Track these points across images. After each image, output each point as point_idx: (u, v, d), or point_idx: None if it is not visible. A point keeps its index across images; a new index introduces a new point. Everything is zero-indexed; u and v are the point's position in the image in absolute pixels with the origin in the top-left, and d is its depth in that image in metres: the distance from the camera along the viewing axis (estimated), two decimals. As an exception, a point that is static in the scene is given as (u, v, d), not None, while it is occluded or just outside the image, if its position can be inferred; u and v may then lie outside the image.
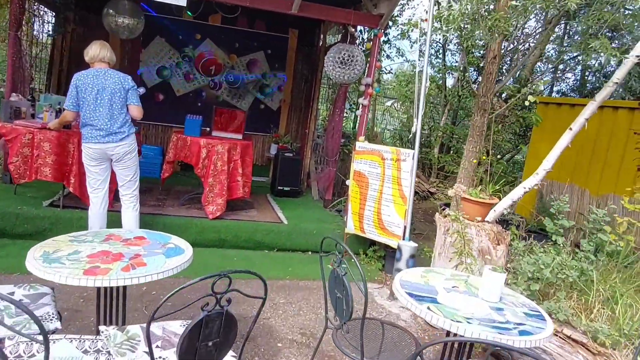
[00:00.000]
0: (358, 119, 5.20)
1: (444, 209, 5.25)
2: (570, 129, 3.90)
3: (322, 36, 6.98)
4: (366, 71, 5.16)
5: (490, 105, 4.36)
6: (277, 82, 7.47)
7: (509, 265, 3.43)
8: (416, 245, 4.03)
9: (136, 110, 3.77)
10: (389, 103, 11.18)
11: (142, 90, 4.65)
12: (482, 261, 3.29)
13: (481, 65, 8.80)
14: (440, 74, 8.93)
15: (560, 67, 9.18)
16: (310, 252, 5.01)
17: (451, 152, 9.89)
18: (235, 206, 5.32)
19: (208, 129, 5.26)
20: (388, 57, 7.58)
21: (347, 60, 4.71)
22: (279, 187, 6.31)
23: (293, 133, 7.70)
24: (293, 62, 7.50)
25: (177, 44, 6.95)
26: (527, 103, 3.85)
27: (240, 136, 5.18)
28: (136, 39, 6.79)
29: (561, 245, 3.38)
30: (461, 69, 9.13)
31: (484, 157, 4.25)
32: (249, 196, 5.15)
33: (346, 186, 5.20)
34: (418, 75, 4.10)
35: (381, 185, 4.49)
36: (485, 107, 4.35)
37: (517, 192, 4.08)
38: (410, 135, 9.89)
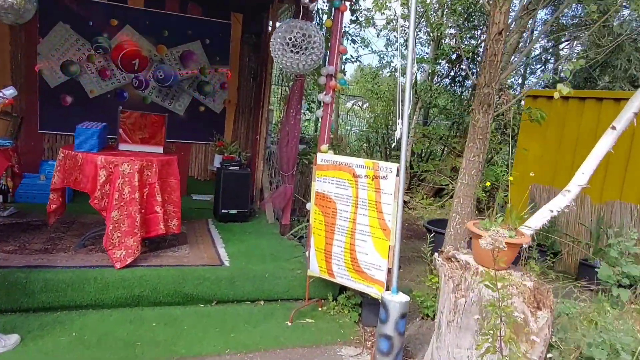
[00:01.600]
0: (320, 121, 3.96)
1: (433, 236, 4.09)
2: (614, 127, 2.80)
3: (270, 22, 5.69)
4: (327, 58, 3.94)
5: (494, 98, 3.23)
6: (219, 78, 6.11)
7: (554, 339, 2.27)
8: (408, 299, 2.82)
9: None
10: (349, 104, 10.00)
11: (7, 91, 3.24)
12: (518, 342, 2.10)
13: (465, 53, 7.77)
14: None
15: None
16: (262, 302, 3.72)
17: (423, 154, 8.84)
18: (158, 244, 3.95)
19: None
20: (354, 41, 6.29)
21: (301, 42, 3.46)
22: (223, 211, 4.98)
23: (241, 140, 6.37)
24: (238, 54, 6.17)
25: (87, 32, 5.49)
26: (556, 95, 2.74)
27: (159, 149, 3.82)
28: (31, 25, 5.28)
29: (627, 301, 2.25)
30: (432, 59, 8.07)
31: (488, 184, 3.11)
32: (179, 230, 3.80)
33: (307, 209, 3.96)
34: (400, 66, 2.91)
35: (354, 213, 3.26)
36: (490, 100, 3.20)
37: (539, 218, 2.95)
38: (384, 139, 8.76)
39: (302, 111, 4.73)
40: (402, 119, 2.85)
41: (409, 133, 8.56)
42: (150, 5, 5.72)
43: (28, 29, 5.36)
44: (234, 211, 5.02)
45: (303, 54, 3.45)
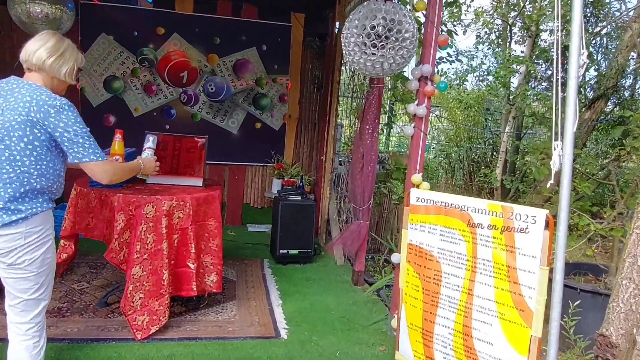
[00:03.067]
0: (409, 142, 2.91)
1: (578, 301, 2.85)
2: None
3: (337, 22, 4.77)
4: (418, 55, 2.90)
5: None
6: (277, 90, 5.26)
7: None
8: None
9: (94, 170, 1.86)
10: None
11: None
12: None
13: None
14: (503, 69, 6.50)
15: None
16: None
17: (516, 173, 7.44)
18: (192, 301, 3.07)
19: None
20: (452, 33, 5.02)
21: (387, 32, 2.44)
22: (281, 251, 4.05)
23: (304, 162, 5.46)
24: (299, 60, 5.29)
25: (131, 44, 4.86)
26: None
27: (198, 181, 2.95)
28: (71, 39, 4.74)
29: None
30: (529, 58, 6.71)
31: None
32: (219, 288, 2.89)
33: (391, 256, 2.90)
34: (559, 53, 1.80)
35: (469, 280, 2.16)
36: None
37: None
38: (468, 154, 7.46)
39: (380, 126, 3.69)
40: (562, 139, 1.72)
41: (494, 144, 7.21)
42: (200, 9, 5.00)
43: (69, 43, 4.82)
44: (295, 251, 4.07)
45: (391, 48, 2.42)
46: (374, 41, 2.46)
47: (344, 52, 2.66)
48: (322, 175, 4.90)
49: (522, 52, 7.04)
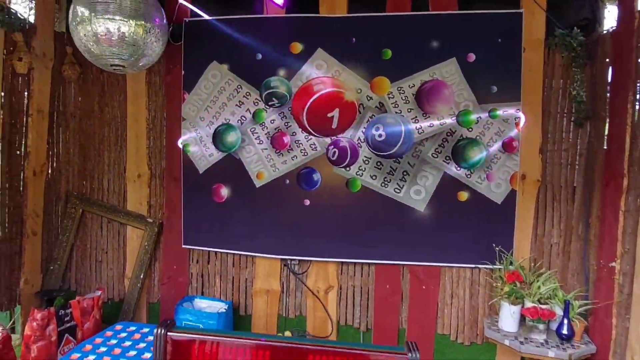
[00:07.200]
0: None
1: None
2: None
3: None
4: None
5: None
6: (499, 131, 2.85)
7: None
8: None
9: None
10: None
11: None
12: None
13: None
14: None
15: None
16: None
17: None
18: None
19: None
20: None
21: None
22: None
23: (555, 261, 2.84)
24: (541, 75, 2.83)
25: (253, 73, 3.06)
26: None
27: None
28: (172, 76, 3.19)
29: None
30: None
31: None
32: None
33: None
34: None
35: None
36: None
37: None
38: None
39: None
40: None
41: None
42: (358, 8, 3.02)
43: (170, 82, 3.24)
44: None
45: None
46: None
47: None
48: (612, 301, 2.24)
49: None
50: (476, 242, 2.88)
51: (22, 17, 3.07)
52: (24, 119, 3.16)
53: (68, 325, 2.92)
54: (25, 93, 3.14)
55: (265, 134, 3.06)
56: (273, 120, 3.05)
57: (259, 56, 3.05)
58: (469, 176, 2.87)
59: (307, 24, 3.01)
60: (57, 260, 3.45)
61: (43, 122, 3.26)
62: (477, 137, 2.85)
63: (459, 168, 2.88)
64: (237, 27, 3.07)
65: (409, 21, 2.92)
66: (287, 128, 3.03)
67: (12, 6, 3.10)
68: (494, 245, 2.82)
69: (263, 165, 3.07)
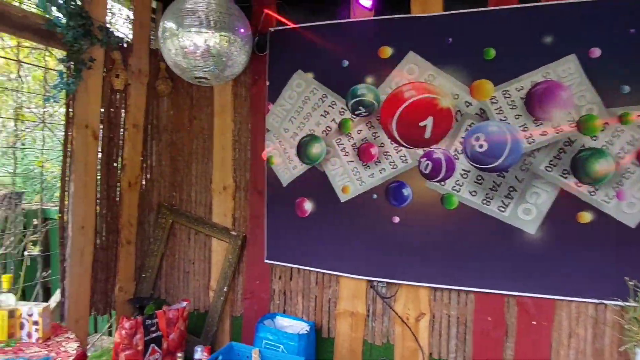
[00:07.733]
0: None
1: None
2: None
3: None
4: None
5: None
6: (632, 139, 2.35)
7: None
8: None
9: None
10: None
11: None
12: None
13: None
14: None
15: None
16: None
17: None
18: None
19: None
20: None
21: None
22: None
23: None
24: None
25: (338, 81, 2.89)
26: None
27: None
28: (257, 85, 3.13)
29: None
30: None
31: None
32: None
33: None
34: None
35: None
36: None
37: None
38: None
39: None
40: None
41: None
42: (455, 4, 2.71)
43: (255, 93, 3.18)
44: None
45: None
46: None
47: None
48: None
49: None
50: (602, 273, 2.39)
51: (120, 37, 3.21)
52: (121, 133, 3.29)
53: (154, 335, 2.94)
54: (122, 108, 3.28)
55: (352, 145, 2.86)
56: (360, 130, 2.84)
57: (345, 63, 2.87)
58: (592, 194, 2.40)
59: (397, 26, 2.77)
60: (149, 269, 3.54)
61: (138, 135, 3.39)
62: (604, 147, 2.38)
63: (580, 184, 2.42)
64: (322, 34, 2.92)
65: (517, 15, 2.55)
66: (374, 139, 2.80)
67: (112, 25, 3.27)
68: (626, 278, 2.31)
69: (349, 178, 2.87)
